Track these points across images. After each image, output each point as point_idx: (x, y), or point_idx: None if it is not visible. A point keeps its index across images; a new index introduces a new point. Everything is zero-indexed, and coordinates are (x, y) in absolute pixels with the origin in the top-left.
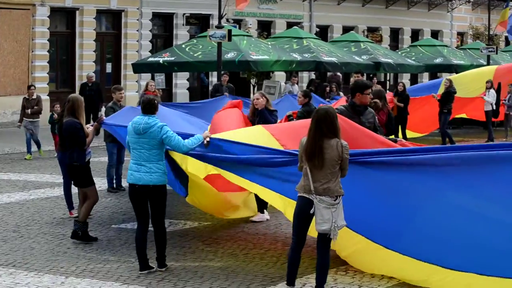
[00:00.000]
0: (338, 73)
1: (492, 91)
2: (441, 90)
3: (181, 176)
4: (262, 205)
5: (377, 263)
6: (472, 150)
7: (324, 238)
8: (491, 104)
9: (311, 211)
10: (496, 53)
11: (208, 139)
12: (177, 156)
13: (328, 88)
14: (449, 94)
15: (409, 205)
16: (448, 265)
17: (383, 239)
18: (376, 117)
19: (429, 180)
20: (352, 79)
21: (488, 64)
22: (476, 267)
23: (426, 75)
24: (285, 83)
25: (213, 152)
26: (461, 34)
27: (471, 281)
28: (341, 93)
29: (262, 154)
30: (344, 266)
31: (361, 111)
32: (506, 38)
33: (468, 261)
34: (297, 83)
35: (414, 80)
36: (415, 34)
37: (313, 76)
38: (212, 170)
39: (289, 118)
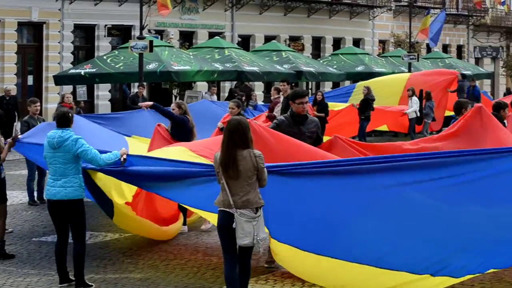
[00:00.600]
0: (247, 84)
1: (415, 98)
2: (357, 98)
3: (105, 202)
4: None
5: (310, 270)
6: (400, 159)
7: (245, 251)
8: (415, 111)
9: (233, 226)
10: (418, 61)
11: (125, 156)
12: (100, 179)
13: (244, 98)
14: (367, 101)
15: (339, 212)
16: (383, 265)
17: (315, 246)
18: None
19: (360, 186)
20: (272, 88)
21: (410, 71)
22: (409, 266)
23: (347, 83)
24: (205, 93)
25: (132, 168)
26: (382, 42)
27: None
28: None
29: (182, 167)
30: (264, 275)
31: (301, 121)
32: (427, 45)
33: (403, 261)
34: (215, 93)
35: (335, 87)
36: (337, 43)
37: (244, 84)
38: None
39: (221, 130)
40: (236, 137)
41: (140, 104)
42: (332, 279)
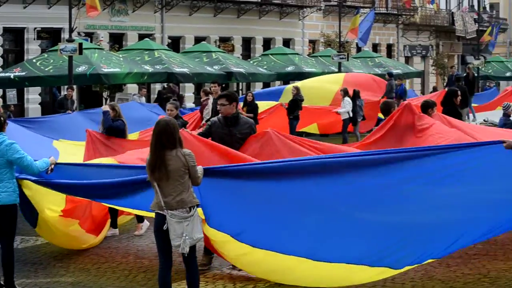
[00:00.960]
0: (171, 85)
1: (347, 99)
2: (287, 98)
3: (29, 212)
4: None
5: (254, 264)
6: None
7: (188, 251)
8: (348, 112)
9: (164, 227)
10: (348, 60)
11: (52, 166)
12: (29, 189)
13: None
14: (296, 101)
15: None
16: (320, 258)
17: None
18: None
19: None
20: (201, 91)
21: (340, 71)
22: (346, 258)
23: (277, 83)
24: (134, 95)
25: (61, 177)
26: (312, 42)
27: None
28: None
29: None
30: (212, 274)
31: (232, 122)
32: (357, 45)
33: (339, 253)
34: (145, 95)
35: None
36: (267, 43)
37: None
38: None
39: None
40: (164, 138)
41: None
42: (272, 270)
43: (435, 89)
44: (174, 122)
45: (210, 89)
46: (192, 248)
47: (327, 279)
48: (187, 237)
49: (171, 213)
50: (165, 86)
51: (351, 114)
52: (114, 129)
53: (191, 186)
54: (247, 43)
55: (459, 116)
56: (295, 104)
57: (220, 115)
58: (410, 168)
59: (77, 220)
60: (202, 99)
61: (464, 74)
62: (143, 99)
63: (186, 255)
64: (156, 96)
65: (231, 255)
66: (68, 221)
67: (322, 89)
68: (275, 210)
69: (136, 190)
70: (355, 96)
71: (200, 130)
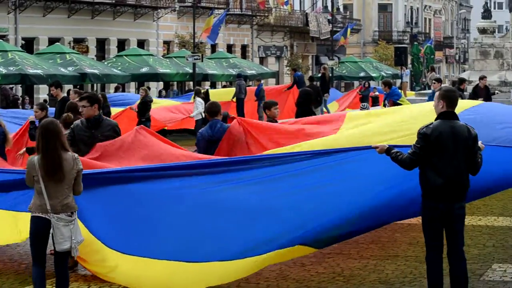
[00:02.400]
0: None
1: (199, 99)
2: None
3: None
4: None
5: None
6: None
7: (62, 256)
8: (201, 113)
9: (51, 231)
10: (202, 61)
11: None
12: None
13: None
14: (146, 103)
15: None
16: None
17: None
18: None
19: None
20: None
21: (194, 72)
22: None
23: (132, 84)
24: None
25: None
26: (167, 43)
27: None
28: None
29: None
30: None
31: (94, 125)
32: (212, 45)
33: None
34: None
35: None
36: (122, 44)
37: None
38: None
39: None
40: (56, 139)
41: None
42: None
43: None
44: (58, 122)
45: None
46: (66, 254)
47: (203, 279)
48: (74, 240)
49: (57, 216)
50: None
51: (203, 115)
52: None
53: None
54: (101, 44)
55: (313, 115)
56: (145, 106)
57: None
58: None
59: None
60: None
61: (319, 75)
62: None
63: (74, 257)
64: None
65: (103, 271)
66: None
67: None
68: (141, 214)
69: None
70: (207, 97)
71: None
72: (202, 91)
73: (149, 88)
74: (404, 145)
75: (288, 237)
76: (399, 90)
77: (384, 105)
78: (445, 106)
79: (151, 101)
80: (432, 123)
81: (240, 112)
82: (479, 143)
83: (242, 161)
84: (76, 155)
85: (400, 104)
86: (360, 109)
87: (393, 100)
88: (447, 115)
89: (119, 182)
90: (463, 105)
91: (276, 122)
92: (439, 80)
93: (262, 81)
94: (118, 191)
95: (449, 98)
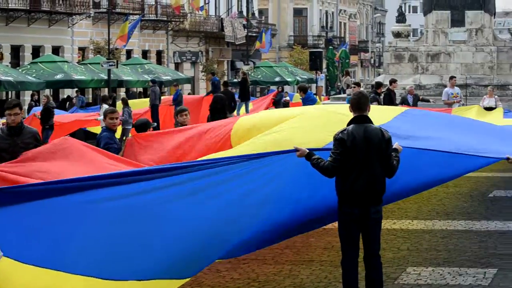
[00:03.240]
0: None
1: (106, 106)
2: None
3: None
4: None
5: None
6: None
7: None
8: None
9: None
10: (117, 67)
11: None
12: None
13: None
14: (48, 110)
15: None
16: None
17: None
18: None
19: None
20: None
21: (109, 78)
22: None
23: (47, 91)
24: None
25: None
26: (82, 49)
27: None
28: None
29: None
30: None
31: (15, 132)
32: (127, 51)
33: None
34: None
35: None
36: (36, 51)
37: None
38: None
39: None
40: None
41: None
42: None
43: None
44: None
45: None
46: None
47: None
48: None
49: None
50: None
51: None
52: None
53: None
54: (15, 51)
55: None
56: (48, 113)
57: (2, 126)
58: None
59: None
60: None
61: (240, 80)
62: None
63: None
64: None
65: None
66: None
67: None
68: (59, 227)
69: None
70: (125, 104)
71: None
72: (116, 96)
73: (111, 97)
74: (321, 148)
75: (208, 261)
76: (314, 95)
77: None
78: (354, 110)
79: (54, 107)
80: (346, 128)
81: (155, 118)
82: (395, 144)
83: (166, 169)
84: None
85: None
86: None
87: (308, 105)
88: (358, 119)
89: (35, 197)
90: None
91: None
92: (358, 84)
93: (180, 87)
94: (34, 205)
95: (356, 102)
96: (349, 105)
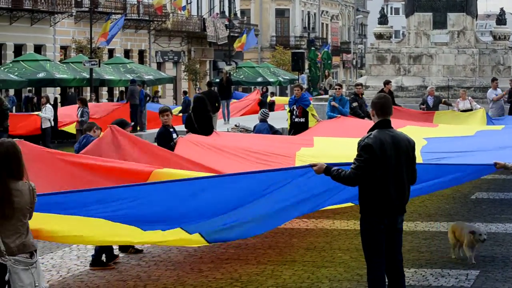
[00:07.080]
0: None
1: (49, 106)
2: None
3: None
4: None
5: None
6: None
7: None
8: (49, 120)
9: (6, 278)
10: (99, 66)
11: None
12: None
13: None
14: (2, 112)
15: None
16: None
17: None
18: None
19: None
20: None
21: (91, 77)
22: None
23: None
24: None
25: None
26: (64, 48)
27: None
28: None
29: None
30: None
31: None
32: (109, 50)
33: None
34: None
35: (18, 94)
36: (18, 49)
37: None
38: None
39: None
40: (12, 164)
41: None
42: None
43: (185, 92)
44: (17, 144)
45: None
46: None
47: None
48: (38, 287)
49: (15, 259)
50: None
51: (52, 123)
52: None
53: (29, 227)
54: None
55: (210, 120)
56: (2, 115)
57: None
58: None
59: None
60: None
61: (221, 80)
62: None
63: None
64: None
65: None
66: None
67: None
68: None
69: None
70: (84, 104)
71: None
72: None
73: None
74: (342, 162)
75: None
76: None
77: (291, 111)
78: (378, 115)
79: (8, 109)
80: (371, 133)
81: (133, 117)
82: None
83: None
84: (34, 184)
85: (307, 113)
86: (261, 115)
87: (302, 106)
88: (382, 124)
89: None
90: None
91: (171, 128)
92: (340, 86)
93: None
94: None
95: (381, 105)
96: (371, 109)
